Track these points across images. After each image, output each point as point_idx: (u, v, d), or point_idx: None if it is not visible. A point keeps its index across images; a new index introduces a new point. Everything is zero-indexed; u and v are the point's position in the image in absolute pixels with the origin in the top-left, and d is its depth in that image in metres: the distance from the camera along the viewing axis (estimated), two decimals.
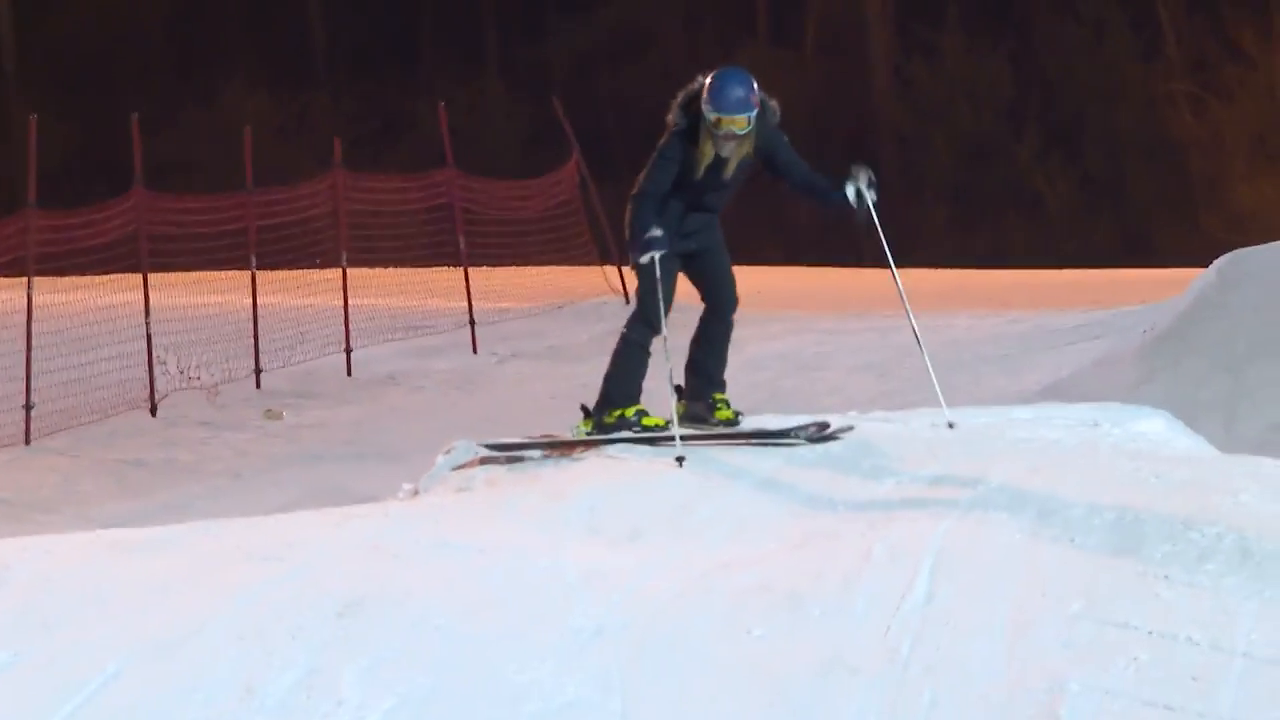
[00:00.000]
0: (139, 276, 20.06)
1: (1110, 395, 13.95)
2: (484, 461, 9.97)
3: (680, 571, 7.40)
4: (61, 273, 20.09)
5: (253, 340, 21.11)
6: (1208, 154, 44.45)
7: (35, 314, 18.74)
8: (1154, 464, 9.38)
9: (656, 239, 9.90)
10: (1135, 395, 14.33)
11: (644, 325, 10.21)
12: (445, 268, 24.59)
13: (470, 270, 24.22)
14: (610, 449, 9.92)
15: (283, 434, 18.49)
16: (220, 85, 43.28)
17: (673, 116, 10.12)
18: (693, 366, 10.43)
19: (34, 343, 18.63)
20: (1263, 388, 15.51)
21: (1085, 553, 7.59)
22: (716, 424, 10.30)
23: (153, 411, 19.28)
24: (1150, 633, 6.61)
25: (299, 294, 22.52)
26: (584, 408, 10.41)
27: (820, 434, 10.12)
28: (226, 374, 20.56)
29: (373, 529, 8.17)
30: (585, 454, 9.89)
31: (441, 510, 8.86)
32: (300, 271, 22.96)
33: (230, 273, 21.97)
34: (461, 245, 24.40)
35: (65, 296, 19.64)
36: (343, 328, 22.06)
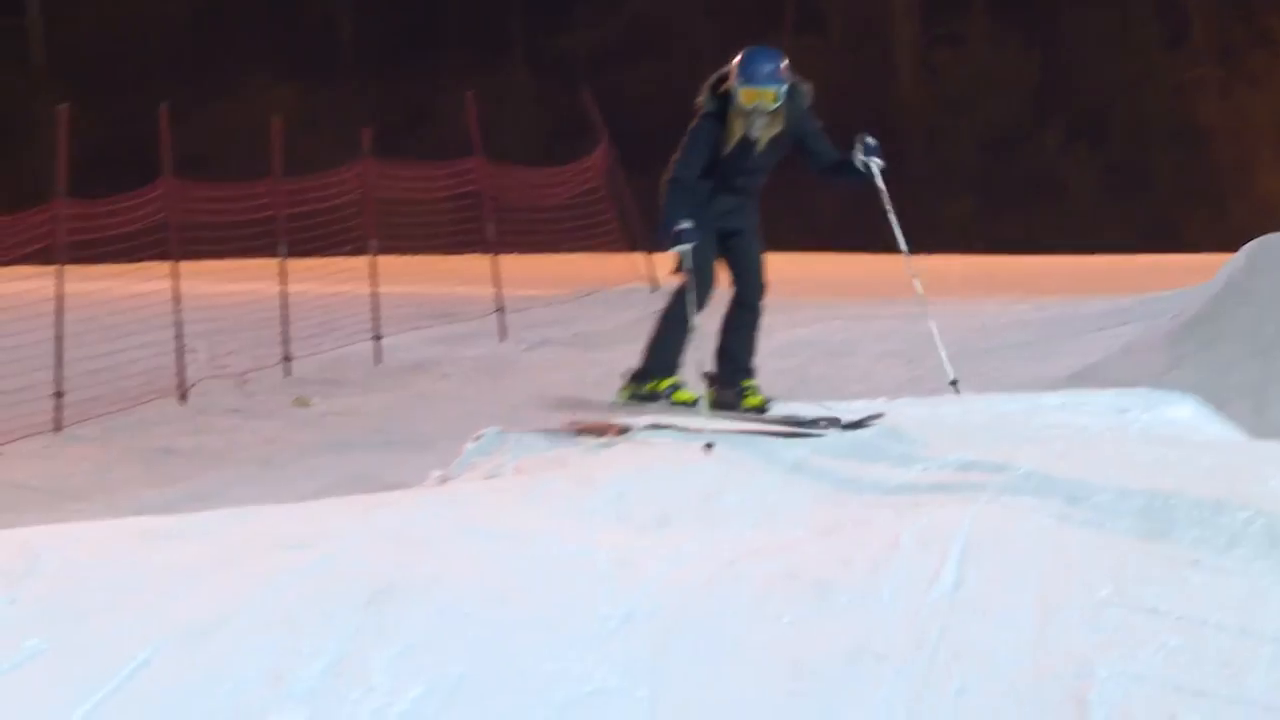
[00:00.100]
0: (168, 265, 20.12)
1: (1139, 381, 13.92)
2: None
3: (708, 559, 7.41)
4: (91, 261, 20.17)
5: (282, 328, 21.16)
6: (1235, 140, 44.34)
7: (65, 302, 18.81)
8: (1183, 449, 9.38)
9: (687, 231, 9.94)
10: (1164, 381, 14.30)
11: (687, 300, 10.24)
12: (473, 255, 24.62)
13: (498, 257, 24.24)
14: (640, 434, 9.94)
15: (312, 421, 18.52)
16: (247, 77, 43.36)
17: (702, 99, 10.16)
18: (722, 353, 10.46)
19: (64, 331, 18.69)
20: None
21: (1114, 538, 7.59)
22: (745, 411, 10.32)
23: (182, 399, 19.34)
24: (1179, 618, 6.60)
25: (328, 282, 22.56)
26: (631, 372, 10.51)
27: (849, 423, 10.14)
28: (256, 362, 20.62)
29: (401, 516, 8.18)
30: (615, 440, 9.91)
31: (470, 497, 8.87)
32: (329, 259, 23.00)
33: (259, 261, 22.02)
34: (490, 232, 24.42)
35: (95, 285, 19.70)
36: (371, 315, 22.09)
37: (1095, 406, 11.12)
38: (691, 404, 10.18)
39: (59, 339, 18.62)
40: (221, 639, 6.37)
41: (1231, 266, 17.99)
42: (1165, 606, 6.70)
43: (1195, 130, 44.39)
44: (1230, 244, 20.11)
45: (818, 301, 23.04)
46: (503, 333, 23.04)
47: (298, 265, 22.13)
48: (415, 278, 23.96)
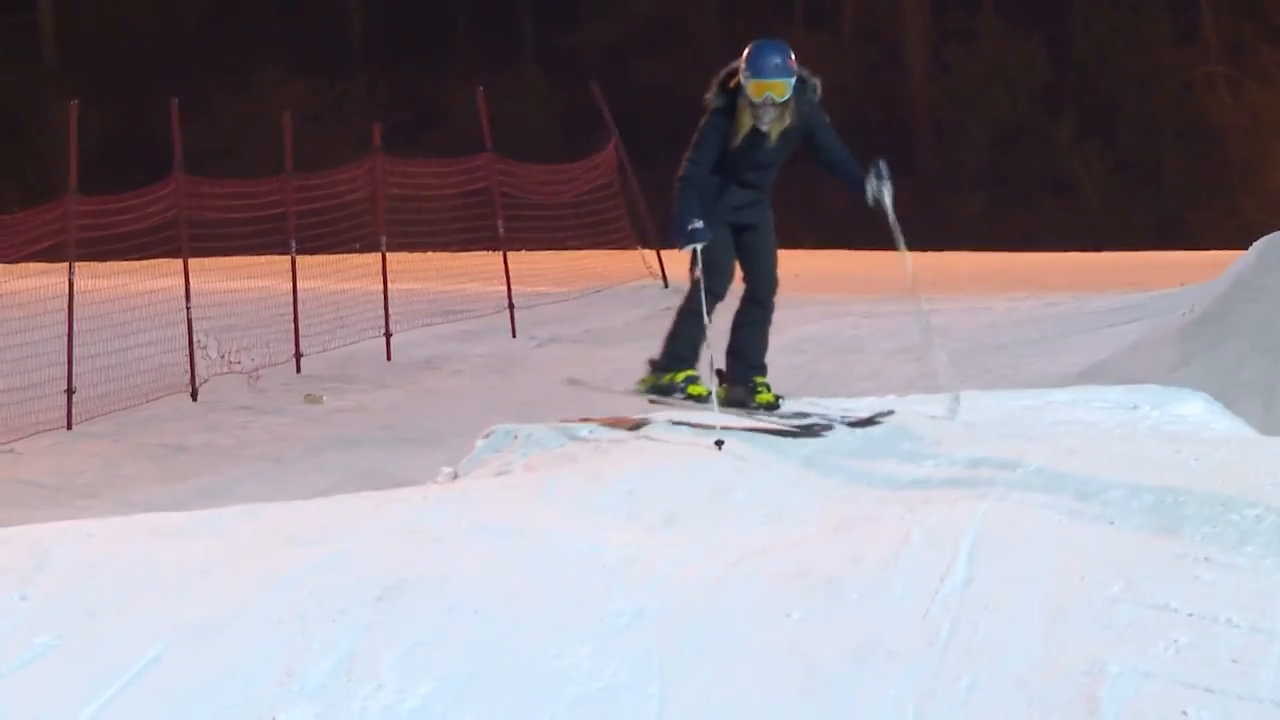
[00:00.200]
0: (179, 261, 20.14)
1: (1149, 377, 13.91)
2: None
3: (718, 556, 7.41)
4: (102, 258, 20.19)
5: (293, 325, 21.18)
6: (1245, 137, 44.26)
7: (76, 299, 18.84)
8: (1193, 446, 9.37)
9: (699, 230, 9.98)
10: (1174, 377, 14.30)
11: (704, 292, 10.26)
12: (484, 252, 24.63)
13: (509, 254, 24.25)
14: (650, 430, 9.96)
15: (322, 418, 18.54)
16: (257, 73, 43.37)
17: (711, 95, 10.19)
18: (733, 350, 10.47)
19: (75, 328, 18.72)
20: None
21: (1124, 535, 7.58)
22: (757, 408, 10.33)
23: (193, 396, 19.36)
24: (1190, 615, 6.60)
25: (338, 278, 22.57)
26: (650, 361, 10.57)
27: (857, 420, 10.15)
28: (267, 358, 20.63)
29: (412, 513, 8.19)
30: (626, 436, 9.92)
31: (480, 494, 8.87)
32: (339, 256, 23.02)
33: (270, 257, 22.04)
34: (500, 229, 24.43)
35: (106, 281, 19.72)
36: (382, 312, 22.11)
37: (1105, 403, 11.10)
38: (705, 398, 10.20)
39: (70, 336, 18.65)
40: (232, 635, 6.38)
41: (1241, 263, 17.98)
42: (1176, 603, 6.69)
43: (1206, 127, 44.32)
44: (1240, 241, 20.11)
45: (826, 298, 23.03)
46: (513, 330, 23.04)
47: (308, 262, 22.14)
48: (425, 274, 23.96)
